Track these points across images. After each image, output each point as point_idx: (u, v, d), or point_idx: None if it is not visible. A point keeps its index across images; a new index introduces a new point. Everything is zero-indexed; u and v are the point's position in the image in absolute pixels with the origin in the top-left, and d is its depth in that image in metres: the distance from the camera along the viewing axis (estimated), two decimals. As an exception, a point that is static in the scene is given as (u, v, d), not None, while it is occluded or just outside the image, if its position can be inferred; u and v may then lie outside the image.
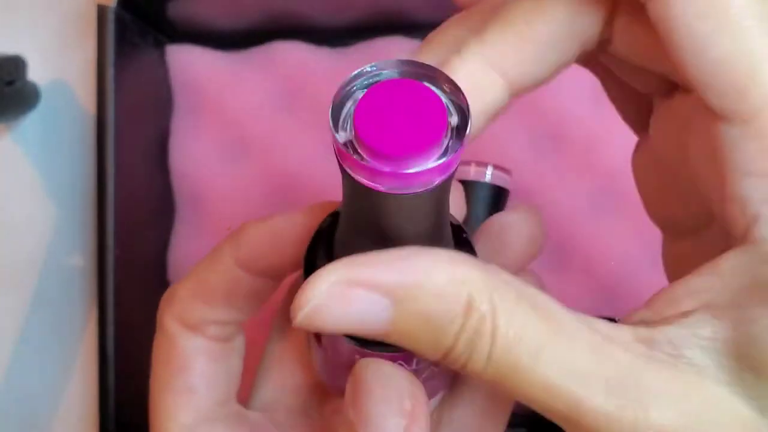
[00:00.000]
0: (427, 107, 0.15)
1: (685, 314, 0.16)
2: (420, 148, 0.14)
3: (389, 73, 0.16)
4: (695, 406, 0.16)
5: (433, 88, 0.15)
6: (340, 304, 0.16)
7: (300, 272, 0.21)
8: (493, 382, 0.16)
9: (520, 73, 0.19)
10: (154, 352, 0.23)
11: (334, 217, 0.20)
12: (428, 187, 0.15)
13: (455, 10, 0.21)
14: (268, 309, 0.24)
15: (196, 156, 0.42)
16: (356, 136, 0.15)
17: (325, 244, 0.20)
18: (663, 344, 0.16)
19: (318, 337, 0.21)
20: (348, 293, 0.16)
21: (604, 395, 0.15)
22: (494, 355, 0.16)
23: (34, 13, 0.44)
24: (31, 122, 0.43)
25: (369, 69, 0.16)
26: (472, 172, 0.38)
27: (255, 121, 0.42)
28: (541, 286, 0.22)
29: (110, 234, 0.37)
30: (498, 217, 0.23)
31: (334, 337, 0.19)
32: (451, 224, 0.19)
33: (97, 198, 0.37)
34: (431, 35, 0.21)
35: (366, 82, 0.16)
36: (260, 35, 0.43)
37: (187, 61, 0.43)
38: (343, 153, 0.15)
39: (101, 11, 0.37)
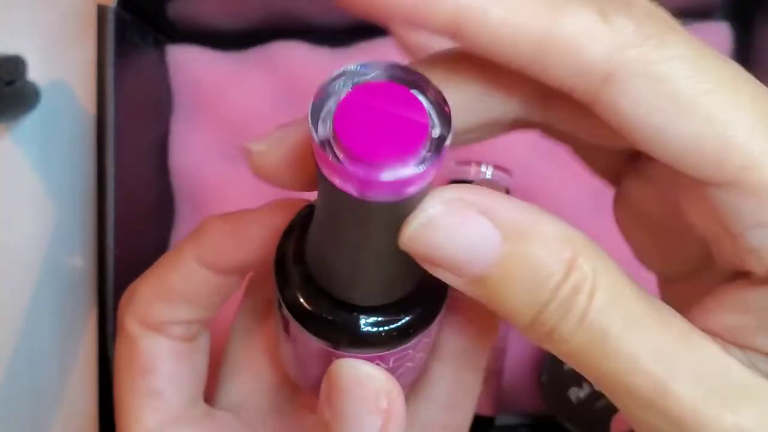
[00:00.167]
0: (409, 115, 0.14)
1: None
2: (396, 156, 0.14)
3: (377, 74, 0.16)
4: None
5: (420, 97, 0.15)
6: (454, 222, 0.15)
7: (260, 269, 0.21)
8: (577, 350, 0.16)
9: None
10: (116, 354, 0.22)
11: (309, 210, 0.20)
12: (400, 197, 0.15)
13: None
14: (228, 305, 0.23)
15: (196, 156, 0.42)
16: (334, 134, 0.14)
17: (297, 240, 0.19)
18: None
19: (288, 332, 0.21)
20: (465, 212, 0.15)
21: (692, 383, 0.15)
22: (588, 317, 0.15)
23: (34, 13, 0.44)
24: (31, 122, 0.43)
25: (356, 68, 0.15)
26: (472, 172, 0.38)
27: (255, 121, 0.42)
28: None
29: (110, 234, 0.37)
30: None
31: (305, 338, 0.19)
32: None
33: (97, 198, 0.37)
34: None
35: (352, 81, 0.15)
36: (260, 35, 0.43)
37: (187, 61, 0.43)
38: (319, 150, 0.15)
39: (101, 11, 0.37)
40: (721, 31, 0.42)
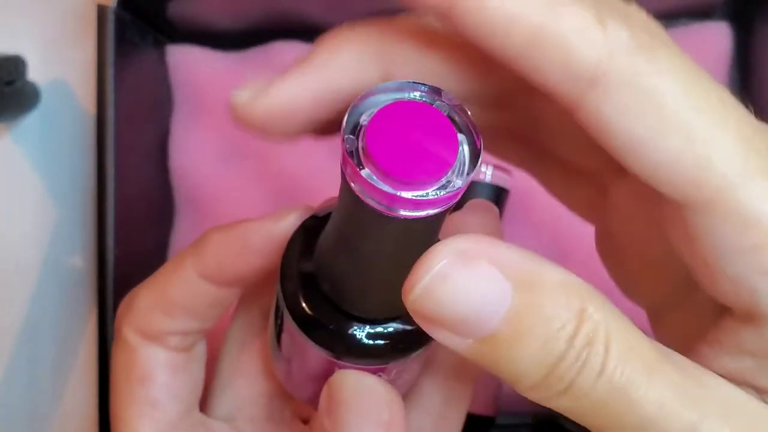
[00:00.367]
0: (441, 141, 0.15)
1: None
2: (420, 177, 0.14)
3: (416, 95, 0.16)
4: None
5: (454, 123, 0.15)
6: (463, 275, 0.14)
7: (261, 280, 0.21)
8: (598, 403, 0.15)
9: None
10: (113, 362, 0.22)
11: (315, 221, 0.20)
12: (419, 215, 0.15)
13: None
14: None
15: (196, 156, 0.42)
16: (364, 146, 0.15)
17: (303, 250, 0.19)
18: None
19: (280, 342, 0.21)
20: (473, 264, 0.14)
21: (720, 423, 0.15)
22: (608, 368, 0.15)
23: (34, 13, 0.44)
24: (31, 122, 0.43)
25: (399, 85, 0.16)
26: (472, 172, 0.38)
27: (255, 121, 0.42)
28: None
29: (110, 234, 0.37)
30: (454, 218, 0.22)
31: (306, 348, 0.19)
32: None
33: (97, 198, 0.37)
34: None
35: (392, 97, 0.16)
36: (260, 35, 0.43)
37: (187, 61, 0.43)
38: (347, 159, 0.15)
39: (101, 11, 0.37)
40: (721, 31, 0.42)
